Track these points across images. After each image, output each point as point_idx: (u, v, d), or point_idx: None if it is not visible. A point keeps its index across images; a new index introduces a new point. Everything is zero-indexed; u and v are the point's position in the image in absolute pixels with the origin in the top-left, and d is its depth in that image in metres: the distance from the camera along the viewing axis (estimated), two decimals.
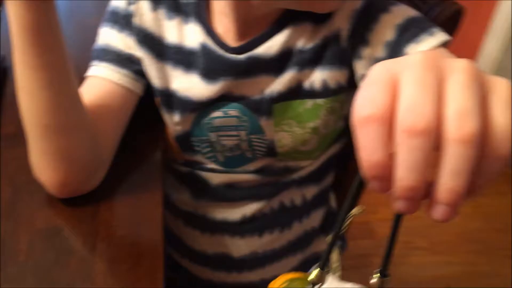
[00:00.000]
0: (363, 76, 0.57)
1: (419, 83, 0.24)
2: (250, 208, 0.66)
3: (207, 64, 0.59)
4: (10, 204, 0.52)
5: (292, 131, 0.60)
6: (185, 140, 0.63)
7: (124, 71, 0.59)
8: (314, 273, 0.35)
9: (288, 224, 0.69)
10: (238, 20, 0.58)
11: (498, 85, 0.25)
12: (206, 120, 0.61)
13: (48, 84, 0.48)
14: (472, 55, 1.75)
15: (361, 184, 0.28)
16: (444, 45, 0.52)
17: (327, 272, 0.35)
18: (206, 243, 0.69)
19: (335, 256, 0.37)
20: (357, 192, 0.29)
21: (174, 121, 0.62)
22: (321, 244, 0.75)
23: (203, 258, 0.70)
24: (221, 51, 0.59)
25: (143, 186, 0.56)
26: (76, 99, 0.51)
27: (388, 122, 0.24)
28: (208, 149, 0.63)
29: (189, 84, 0.60)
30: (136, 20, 0.59)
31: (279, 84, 0.59)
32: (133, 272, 0.47)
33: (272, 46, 0.57)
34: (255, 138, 0.61)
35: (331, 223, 0.74)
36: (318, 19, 0.57)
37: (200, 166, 0.66)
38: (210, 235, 0.68)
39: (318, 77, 0.58)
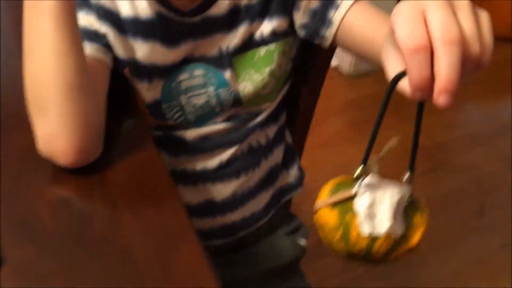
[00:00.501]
0: (301, 25, 0.66)
1: (444, 10, 0.34)
2: (225, 154, 0.74)
3: (165, 31, 0.65)
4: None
5: (252, 79, 0.68)
6: (156, 108, 0.69)
7: (94, 45, 0.63)
8: (358, 169, 0.43)
9: (258, 163, 0.78)
10: None
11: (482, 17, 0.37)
12: (174, 84, 0.67)
13: (76, 44, 0.56)
14: None
15: (399, 78, 0.37)
16: None
17: (369, 168, 0.43)
18: (190, 195, 0.76)
19: (373, 159, 0.44)
20: (393, 86, 0.38)
21: (144, 89, 0.67)
22: (285, 178, 0.85)
23: (189, 209, 0.76)
24: (176, 17, 0.65)
25: (137, 145, 0.61)
26: (85, 61, 0.57)
27: (430, 48, 0.34)
28: (179, 113, 0.70)
29: (151, 53, 0.66)
30: None
31: (233, 38, 0.66)
32: (158, 214, 0.53)
33: (221, 5, 0.65)
34: (222, 91, 0.68)
35: (290, 157, 0.84)
36: None
37: (172, 128, 0.72)
38: (193, 186, 0.75)
39: (266, 27, 0.67)
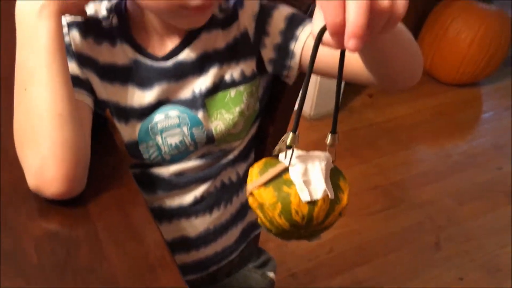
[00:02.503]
0: (269, 60, 0.73)
1: None
2: (199, 190, 0.78)
3: (141, 75, 0.71)
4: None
5: (224, 118, 0.74)
6: (133, 147, 0.73)
7: (75, 89, 0.67)
8: (289, 137, 0.44)
9: (230, 199, 0.82)
10: (156, 34, 0.71)
11: None
12: (150, 125, 0.72)
13: (66, 75, 0.61)
14: None
15: (322, 32, 0.41)
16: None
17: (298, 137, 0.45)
18: (166, 231, 0.78)
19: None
20: (319, 39, 0.42)
21: (122, 129, 0.72)
22: (253, 214, 0.89)
23: None
24: (150, 61, 0.71)
25: (118, 181, 0.65)
26: (73, 90, 0.62)
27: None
28: (155, 153, 0.74)
29: (128, 96, 0.71)
30: (73, 48, 0.68)
31: (205, 81, 0.72)
32: (140, 245, 0.57)
33: (191, 51, 0.71)
34: (196, 130, 0.73)
35: None
36: (225, 24, 0.72)
37: (148, 166, 0.76)
38: (168, 222, 0.78)
39: (236, 69, 0.73)
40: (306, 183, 0.46)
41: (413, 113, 2.26)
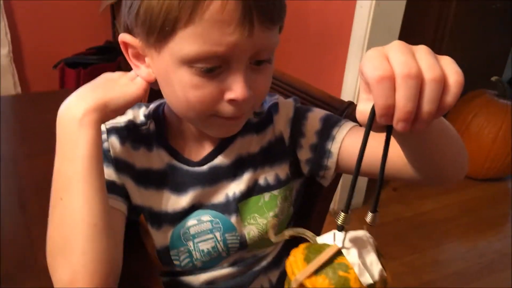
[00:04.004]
0: (306, 161, 0.72)
1: (402, 51, 0.40)
2: None
3: (175, 180, 0.70)
4: None
5: (257, 223, 0.72)
6: (164, 253, 0.71)
7: (111, 196, 0.66)
8: (341, 217, 0.43)
9: None
10: (192, 139, 0.71)
11: (445, 57, 0.42)
12: (182, 230, 0.70)
13: (102, 187, 0.59)
14: None
15: (374, 111, 0.40)
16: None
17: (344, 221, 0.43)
18: None
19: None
20: (372, 118, 0.41)
21: (154, 234, 0.70)
22: None
23: None
24: (186, 167, 0.70)
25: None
26: (108, 202, 0.61)
27: (393, 78, 0.39)
28: (187, 259, 0.71)
29: (162, 201, 0.70)
30: (111, 153, 0.68)
31: (239, 185, 0.71)
32: None
33: (226, 156, 0.71)
34: (229, 236, 0.71)
35: None
36: (260, 129, 0.72)
37: (180, 273, 0.73)
38: None
39: (270, 173, 0.72)
40: (364, 265, 0.43)
41: (441, 208, 2.21)
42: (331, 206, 2.09)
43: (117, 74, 0.65)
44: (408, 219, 2.12)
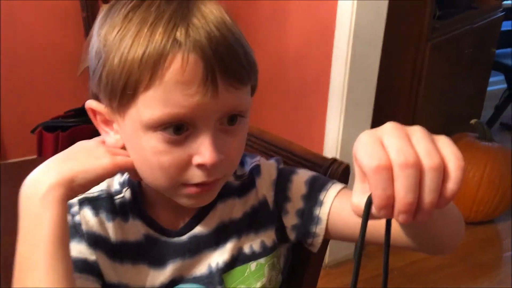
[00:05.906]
0: (293, 227, 0.68)
1: (397, 136, 0.37)
2: None
3: (153, 253, 0.65)
4: None
5: None
6: None
7: (83, 275, 0.61)
8: None
9: None
10: (170, 208, 0.66)
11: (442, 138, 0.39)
12: None
13: (68, 271, 0.54)
14: None
15: (370, 203, 0.38)
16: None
17: None
18: None
19: None
20: (367, 212, 0.38)
21: None
22: None
23: None
24: (164, 237, 0.66)
25: None
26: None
27: (391, 167, 0.36)
28: None
29: (139, 276, 0.65)
30: (83, 227, 0.64)
31: (222, 255, 0.67)
32: None
33: (207, 224, 0.67)
34: None
35: None
36: (242, 192, 0.69)
37: None
38: None
39: (255, 240, 0.68)
40: None
41: (432, 256, 2.16)
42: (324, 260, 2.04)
43: (94, 143, 0.61)
44: (402, 269, 2.06)
